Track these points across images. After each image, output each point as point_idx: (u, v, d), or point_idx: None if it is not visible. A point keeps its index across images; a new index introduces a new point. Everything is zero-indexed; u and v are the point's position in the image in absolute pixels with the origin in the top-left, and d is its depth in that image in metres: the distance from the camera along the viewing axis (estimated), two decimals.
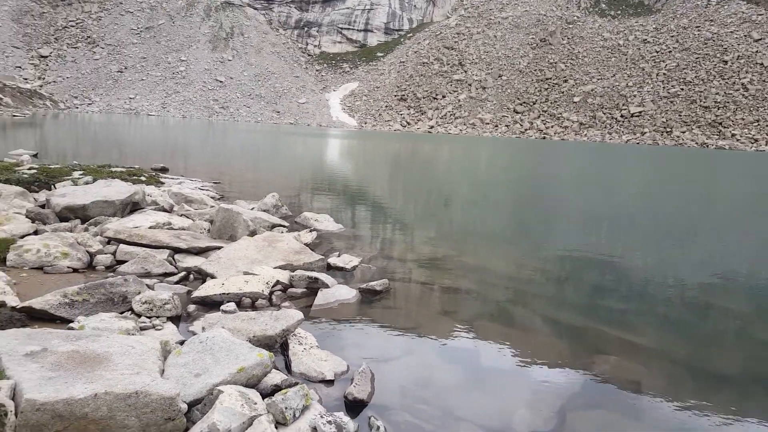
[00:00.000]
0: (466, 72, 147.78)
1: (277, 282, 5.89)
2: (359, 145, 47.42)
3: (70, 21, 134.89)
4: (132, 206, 8.77)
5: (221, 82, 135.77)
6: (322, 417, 3.15)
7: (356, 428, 3.28)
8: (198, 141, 37.94)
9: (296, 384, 3.53)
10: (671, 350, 5.00)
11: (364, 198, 14.21)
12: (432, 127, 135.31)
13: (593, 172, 29.45)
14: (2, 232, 6.70)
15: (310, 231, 8.74)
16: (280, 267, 6.39)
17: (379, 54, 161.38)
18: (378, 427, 3.27)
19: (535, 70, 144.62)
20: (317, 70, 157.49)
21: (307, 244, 7.78)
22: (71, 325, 4.31)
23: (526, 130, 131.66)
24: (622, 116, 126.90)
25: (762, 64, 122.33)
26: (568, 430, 3.55)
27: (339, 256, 7.30)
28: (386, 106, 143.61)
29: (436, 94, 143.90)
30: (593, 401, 3.96)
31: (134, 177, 11.75)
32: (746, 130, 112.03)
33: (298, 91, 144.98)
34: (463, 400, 3.83)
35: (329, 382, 3.91)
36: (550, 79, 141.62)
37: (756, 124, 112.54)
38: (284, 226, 8.96)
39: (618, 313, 6.07)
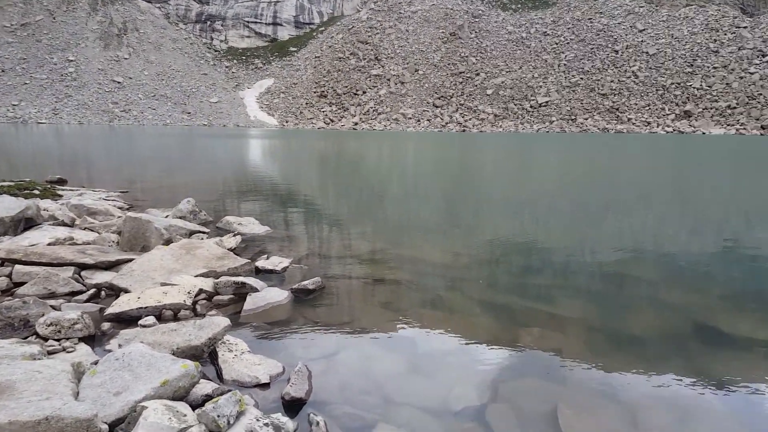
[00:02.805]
0: (383, 67, 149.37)
1: (201, 291, 5.65)
2: (282, 145, 46.51)
3: None
4: (25, 223, 8.04)
5: (119, 82, 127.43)
6: (258, 420, 3.06)
7: (296, 427, 3.24)
8: (100, 148, 35.53)
9: (229, 391, 3.39)
10: (589, 318, 5.37)
11: (292, 198, 13.96)
12: (356, 123, 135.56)
13: (512, 161, 30.84)
14: None
15: (234, 235, 8.45)
16: (202, 275, 6.14)
17: (293, 49, 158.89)
18: (317, 423, 3.24)
19: (448, 64, 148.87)
20: (227, 67, 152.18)
21: (231, 250, 7.54)
22: None
23: (446, 123, 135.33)
24: (531, 107, 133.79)
25: (647, 52, 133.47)
26: (500, 399, 3.74)
27: (267, 258, 7.13)
28: (307, 104, 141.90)
29: (357, 90, 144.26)
30: (521, 371, 4.19)
31: (26, 191, 10.82)
32: (639, 114, 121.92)
33: (208, 89, 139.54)
34: (402, 386, 3.89)
35: (265, 386, 3.81)
36: (464, 72, 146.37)
37: (647, 108, 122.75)
38: (204, 233, 8.60)
39: (542, 289, 6.39)
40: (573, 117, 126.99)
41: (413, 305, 5.70)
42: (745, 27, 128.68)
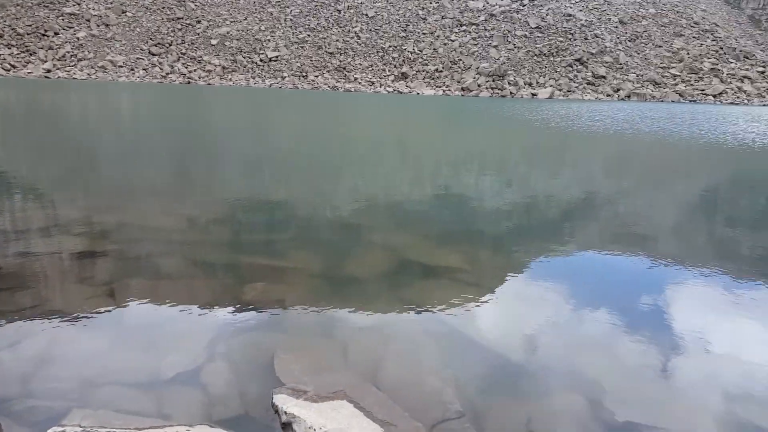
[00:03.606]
0: (79, 5, 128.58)
1: None
2: None
3: None
4: None
5: None
6: None
7: None
8: None
9: None
10: (312, 267, 5.82)
11: None
12: (49, 71, 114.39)
13: (243, 117, 30.43)
14: None
15: None
16: None
17: None
18: None
19: (163, 8, 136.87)
20: None
21: None
22: None
23: (167, 74, 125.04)
24: (261, 60, 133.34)
25: (367, 14, 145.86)
26: (217, 358, 3.80)
27: None
28: None
29: (46, 31, 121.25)
30: (241, 327, 4.31)
31: None
32: (364, 74, 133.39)
33: None
34: (105, 365, 3.61)
35: None
36: (182, 18, 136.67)
37: (370, 68, 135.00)
38: None
39: (271, 244, 6.64)
40: (304, 74, 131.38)
41: (122, 277, 5.29)
42: None
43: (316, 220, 7.96)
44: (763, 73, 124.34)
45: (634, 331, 4.56)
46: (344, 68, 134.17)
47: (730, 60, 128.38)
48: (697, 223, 9.22)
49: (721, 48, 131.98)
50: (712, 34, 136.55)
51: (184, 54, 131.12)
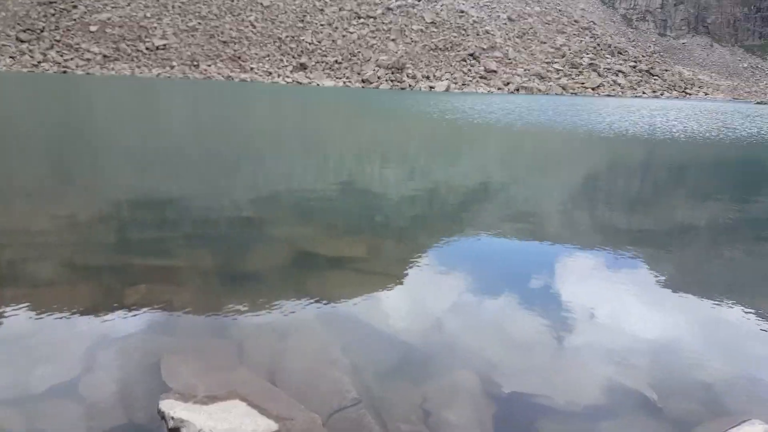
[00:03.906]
0: None
1: None
2: None
3: None
4: None
5: None
6: None
7: None
8: None
9: None
10: (204, 264, 5.59)
11: None
12: None
13: (129, 109, 28.51)
14: None
15: None
16: None
17: None
18: None
19: None
20: None
21: None
22: None
23: (39, 62, 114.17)
24: (147, 49, 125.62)
25: (262, 3, 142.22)
26: (97, 368, 3.55)
27: None
28: None
29: None
30: (125, 331, 4.06)
31: None
32: (261, 64, 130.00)
33: None
34: None
35: None
36: (56, 3, 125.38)
37: (267, 58, 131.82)
38: None
39: (157, 243, 6.29)
40: (195, 63, 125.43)
41: None
42: None
43: (209, 215, 7.66)
44: (634, 67, 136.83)
45: (527, 310, 4.84)
46: (239, 58, 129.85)
47: (606, 55, 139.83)
48: (583, 207, 9.97)
49: (598, 44, 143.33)
50: (590, 32, 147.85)
51: (58, 41, 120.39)
